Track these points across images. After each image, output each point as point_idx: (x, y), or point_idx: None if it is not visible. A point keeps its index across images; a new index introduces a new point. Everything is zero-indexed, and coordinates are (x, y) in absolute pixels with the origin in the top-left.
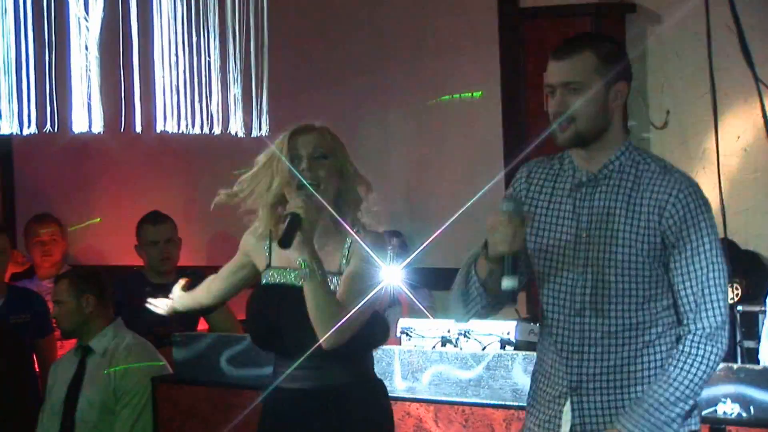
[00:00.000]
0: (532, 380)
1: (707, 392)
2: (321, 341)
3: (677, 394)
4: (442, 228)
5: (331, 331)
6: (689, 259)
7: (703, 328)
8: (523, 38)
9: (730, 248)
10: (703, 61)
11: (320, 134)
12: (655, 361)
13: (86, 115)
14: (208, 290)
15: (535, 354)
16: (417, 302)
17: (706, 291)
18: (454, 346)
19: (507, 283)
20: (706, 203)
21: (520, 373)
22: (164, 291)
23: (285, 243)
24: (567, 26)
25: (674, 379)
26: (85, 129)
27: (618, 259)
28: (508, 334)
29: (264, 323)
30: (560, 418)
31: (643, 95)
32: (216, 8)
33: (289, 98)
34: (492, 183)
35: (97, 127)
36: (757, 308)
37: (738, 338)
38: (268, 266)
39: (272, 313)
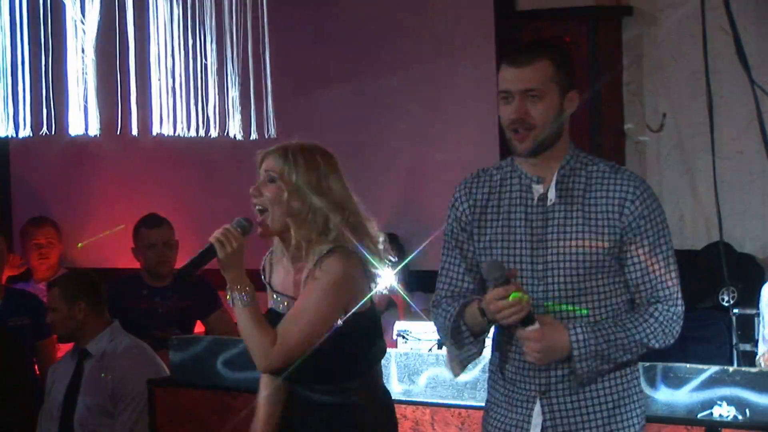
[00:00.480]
0: (490, 387)
1: (703, 395)
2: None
3: (632, 342)
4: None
5: (258, 357)
6: (648, 254)
7: (667, 309)
8: (520, 40)
9: (725, 251)
10: (699, 64)
11: (275, 157)
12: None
13: (82, 117)
14: None
15: None
16: (413, 305)
17: (664, 285)
18: None
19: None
20: (658, 200)
21: None
22: (161, 294)
23: (182, 272)
24: (563, 29)
25: (636, 329)
26: (81, 132)
27: (578, 260)
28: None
29: None
30: (529, 422)
31: (639, 98)
32: (213, 11)
33: (287, 101)
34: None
35: (94, 130)
36: (752, 311)
37: (734, 341)
38: (269, 282)
39: None
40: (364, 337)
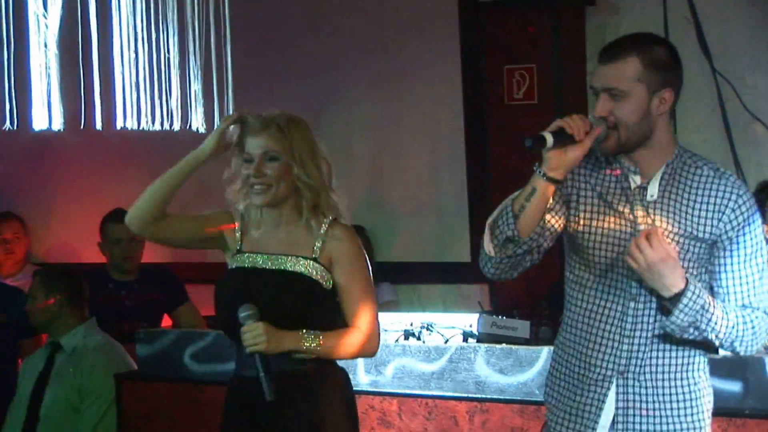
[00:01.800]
0: (558, 366)
1: None
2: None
3: (723, 325)
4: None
5: (366, 354)
6: (743, 265)
7: (763, 318)
8: (484, 31)
9: None
10: None
11: (272, 135)
12: (695, 353)
13: (46, 112)
14: (174, 218)
15: (497, 346)
16: (378, 298)
17: (758, 296)
18: (417, 339)
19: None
20: (758, 210)
21: (482, 365)
22: (127, 288)
23: (271, 395)
24: (527, 19)
25: (729, 317)
26: (45, 126)
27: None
28: (470, 326)
29: (234, 307)
30: (603, 402)
31: None
32: (174, 4)
33: (251, 92)
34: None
35: (57, 125)
36: None
37: None
38: (239, 251)
39: (243, 297)
40: (335, 307)
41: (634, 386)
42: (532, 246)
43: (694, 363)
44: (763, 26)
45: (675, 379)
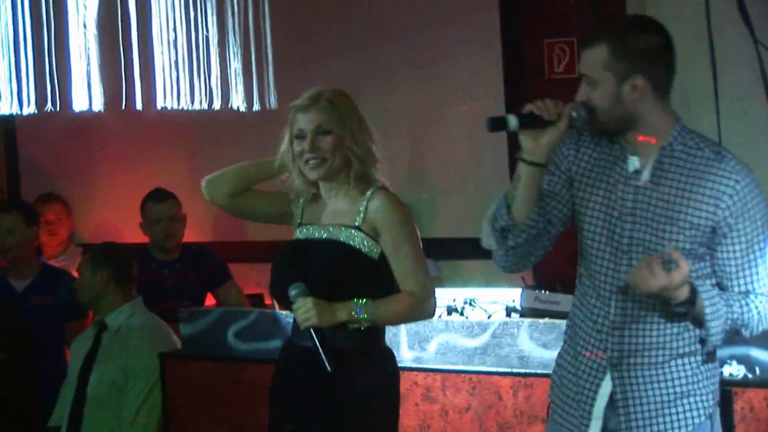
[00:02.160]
0: (566, 346)
1: None
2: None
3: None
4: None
5: (425, 316)
6: (744, 251)
7: (756, 302)
8: (523, 4)
9: None
10: (701, 25)
11: (323, 109)
12: (692, 337)
13: (86, 93)
14: (251, 195)
15: (540, 321)
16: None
17: (760, 281)
18: (460, 315)
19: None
20: (760, 193)
21: (525, 340)
22: (169, 267)
23: (331, 367)
24: None
25: (734, 309)
26: (85, 107)
27: (663, 244)
28: (513, 301)
29: (284, 276)
30: (596, 392)
31: None
32: None
33: (290, 72)
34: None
35: (98, 106)
36: None
37: None
38: (300, 224)
39: (289, 267)
40: (385, 275)
41: (629, 377)
42: (532, 233)
43: (695, 349)
44: None
45: (672, 366)
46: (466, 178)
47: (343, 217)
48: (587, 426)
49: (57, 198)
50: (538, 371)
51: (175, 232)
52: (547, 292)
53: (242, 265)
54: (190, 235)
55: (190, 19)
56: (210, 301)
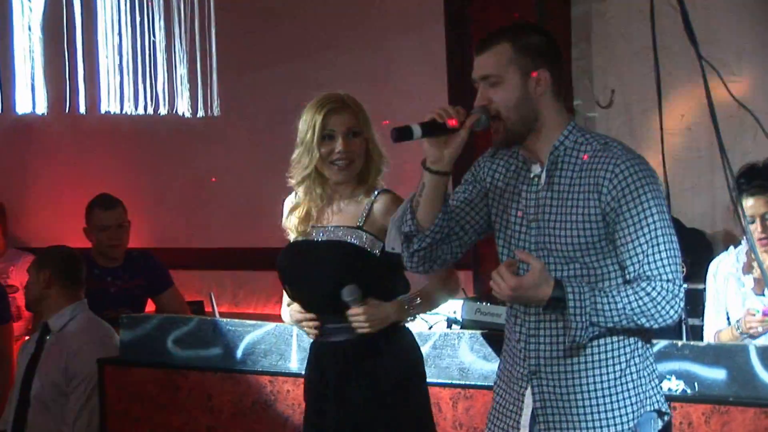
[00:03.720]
0: (501, 359)
1: None
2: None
3: (615, 309)
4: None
5: (453, 292)
6: (632, 236)
7: (661, 286)
8: (469, 18)
9: (674, 226)
10: (647, 40)
11: (353, 112)
12: (613, 342)
13: (30, 95)
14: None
15: (481, 333)
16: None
17: (653, 263)
18: None
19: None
20: (647, 175)
21: (466, 352)
22: (112, 274)
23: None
24: (512, 5)
25: (617, 299)
26: (29, 110)
27: (566, 243)
28: (454, 313)
29: (292, 277)
30: (522, 402)
31: (588, 74)
32: None
33: (236, 76)
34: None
35: (41, 108)
36: (700, 286)
37: (683, 316)
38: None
39: (296, 268)
40: (397, 268)
41: (548, 385)
42: (436, 238)
43: (612, 358)
44: (749, 13)
45: (588, 376)
46: (411, 189)
47: (347, 218)
48: None
49: None
50: (479, 383)
51: (121, 240)
52: (489, 303)
53: (183, 272)
54: (131, 241)
55: (136, 24)
56: (150, 307)
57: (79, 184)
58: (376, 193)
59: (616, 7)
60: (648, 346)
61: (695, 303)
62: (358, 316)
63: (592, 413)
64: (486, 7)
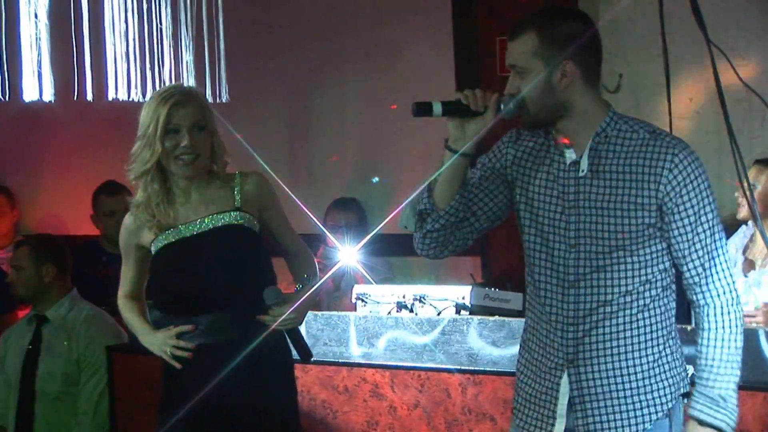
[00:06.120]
0: (522, 348)
1: None
2: None
3: (723, 371)
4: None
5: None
6: (692, 226)
7: (714, 298)
8: (476, 1)
9: None
10: (655, 25)
11: (198, 106)
12: (651, 324)
13: (37, 83)
14: (140, 292)
15: (489, 318)
16: (372, 276)
17: (712, 259)
18: (410, 312)
19: (437, 106)
20: (701, 165)
21: (475, 338)
22: (120, 261)
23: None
24: None
25: (713, 359)
26: (35, 97)
27: (609, 230)
28: (463, 298)
29: (179, 281)
30: (558, 390)
31: None
32: None
33: (244, 65)
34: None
35: (48, 96)
36: None
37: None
38: (161, 230)
39: (188, 267)
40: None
41: (586, 373)
42: (450, 221)
43: (650, 341)
44: None
45: (628, 360)
46: (417, 174)
47: (220, 205)
48: (552, 425)
49: (0, 189)
50: (487, 369)
51: None
52: (497, 289)
53: None
54: None
55: (143, 11)
56: None
57: (86, 172)
58: (238, 176)
59: None
60: (677, 330)
61: None
62: (283, 316)
63: (632, 396)
64: None
